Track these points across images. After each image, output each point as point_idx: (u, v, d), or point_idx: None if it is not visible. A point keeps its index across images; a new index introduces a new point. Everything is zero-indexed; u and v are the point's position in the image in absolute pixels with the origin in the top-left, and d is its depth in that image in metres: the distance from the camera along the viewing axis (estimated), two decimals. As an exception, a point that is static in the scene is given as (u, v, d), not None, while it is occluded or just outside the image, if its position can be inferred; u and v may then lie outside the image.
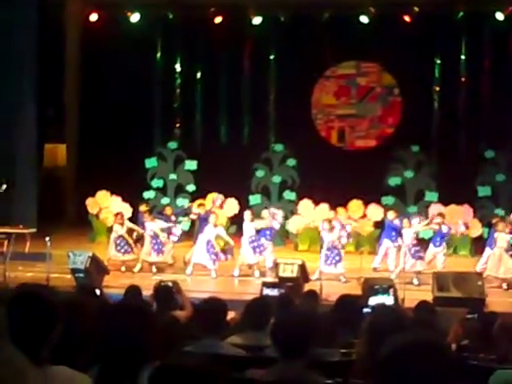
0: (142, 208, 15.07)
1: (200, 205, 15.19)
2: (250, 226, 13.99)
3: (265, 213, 14.34)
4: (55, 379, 2.81)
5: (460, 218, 16.02)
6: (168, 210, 15.15)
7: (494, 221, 13.82)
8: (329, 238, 13.49)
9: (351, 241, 14.85)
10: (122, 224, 14.40)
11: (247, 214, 14.26)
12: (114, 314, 3.18)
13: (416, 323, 6.05)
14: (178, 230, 14.53)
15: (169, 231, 14.38)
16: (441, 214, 14.24)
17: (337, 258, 13.35)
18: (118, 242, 14.20)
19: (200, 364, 2.36)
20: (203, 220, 14.30)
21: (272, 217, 14.16)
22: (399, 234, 13.94)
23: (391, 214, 14.43)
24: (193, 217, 15.02)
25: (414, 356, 2.17)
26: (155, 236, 14.11)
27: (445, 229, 13.81)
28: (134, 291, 8.16)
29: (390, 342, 2.28)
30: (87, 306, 3.89)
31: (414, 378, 2.12)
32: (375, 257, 14.42)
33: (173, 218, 14.80)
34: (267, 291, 10.40)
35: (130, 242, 14.26)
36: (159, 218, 14.83)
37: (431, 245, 13.84)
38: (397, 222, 14.15)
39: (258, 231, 13.88)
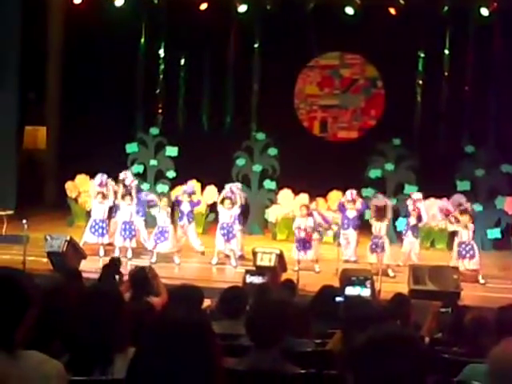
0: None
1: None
2: (223, 213, 13.96)
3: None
4: (26, 364, 2.79)
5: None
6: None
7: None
8: (301, 224, 13.53)
9: (330, 234, 14.92)
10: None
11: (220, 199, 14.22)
12: (85, 301, 3.16)
13: (390, 315, 6.10)
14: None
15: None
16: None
17: (307, 244, 13.40)
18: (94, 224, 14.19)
19: None
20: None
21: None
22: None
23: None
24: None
25: (387, 349, 2.17)
26: (129, 222, 14.08)
27: (412, 220, 13.89)
28: (114, 263, 8.18)
29: (364, 334, 2.29)
30: (66, 291, 3.87)
31: (386, 371, 2.13)
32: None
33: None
34: (250, 279, 10.43)
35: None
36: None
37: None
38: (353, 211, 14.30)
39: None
